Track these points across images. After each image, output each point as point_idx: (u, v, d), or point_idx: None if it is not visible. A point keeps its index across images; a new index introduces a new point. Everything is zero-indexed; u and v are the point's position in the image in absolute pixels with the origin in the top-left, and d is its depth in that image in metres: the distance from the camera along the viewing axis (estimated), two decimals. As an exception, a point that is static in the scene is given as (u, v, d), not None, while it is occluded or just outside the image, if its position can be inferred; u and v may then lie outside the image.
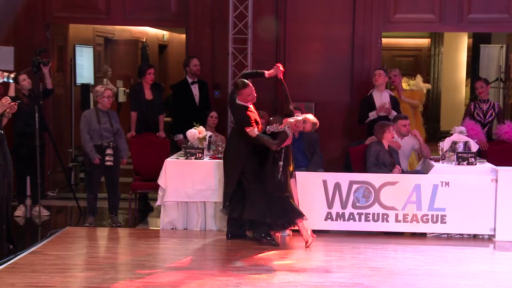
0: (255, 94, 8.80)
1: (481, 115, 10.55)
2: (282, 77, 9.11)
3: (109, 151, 9.45)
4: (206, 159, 9.45)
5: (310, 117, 8.72)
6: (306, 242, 8.53)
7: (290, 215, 8.59)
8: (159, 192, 9.30)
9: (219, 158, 9.40)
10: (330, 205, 9.13)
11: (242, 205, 8.61)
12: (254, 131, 8.45)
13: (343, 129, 11.50)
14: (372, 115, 10.37)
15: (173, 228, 9.32)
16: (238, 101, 8.74)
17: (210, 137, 9.71)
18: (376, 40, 11.62)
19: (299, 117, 8.66)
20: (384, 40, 12.07)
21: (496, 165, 9.19)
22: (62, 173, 11.48)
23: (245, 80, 8.78)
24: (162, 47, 17.24)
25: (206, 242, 8.63)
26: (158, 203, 9.37)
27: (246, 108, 8.73)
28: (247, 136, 8.50)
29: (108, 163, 9.44)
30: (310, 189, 9.13)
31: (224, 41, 11.33)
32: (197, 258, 8.00)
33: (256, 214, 8.53)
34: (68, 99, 12.56)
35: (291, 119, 8.62)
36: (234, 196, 8.68)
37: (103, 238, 9.32)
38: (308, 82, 11.52)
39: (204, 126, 9.76)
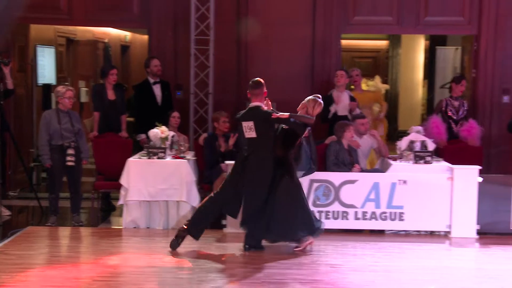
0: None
1: (454, 112, 10.66)
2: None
3: (70, 151, 9.37)
4: (169, 158, 9.42)
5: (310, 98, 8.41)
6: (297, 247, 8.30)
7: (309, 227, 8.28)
8: (122, 191, 9.25)
9: (182, 158, 9.39)
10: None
11: (265, 222, 8.16)
12: (283, 113, 7.98)
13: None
14: (333, 108, 10.43)
15: (135, 227, 9.28)
16: (262, 108, 8.21)
17: (172, 137, 9.67)
18: (336, 41, 11.70)
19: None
20: (343, 42, 12.16)
21: (452, 164, 9.30)
22: (24, 173, 11.36)
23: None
24: (125, 48, 17.12)
25: (169, 241, 8.59)
26: (120, 202, 9.33)
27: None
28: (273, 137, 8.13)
29: (70, 163, 9.36)
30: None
31: (186, 42, 11.31)
32: (160, 257, 7.96)
33: (284, 235, 8.24)
34: (29, 99, 12.42)
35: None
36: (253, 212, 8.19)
37: (65, 237, 9.23)
38: (269, 82, 11.36)
39: (166, 126, 9.72)
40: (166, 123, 9.88)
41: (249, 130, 8.09)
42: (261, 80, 8.24)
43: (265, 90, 8.21)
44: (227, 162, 9.22)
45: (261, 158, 8.09)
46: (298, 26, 11.58)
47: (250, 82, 8.28)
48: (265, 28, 11.56)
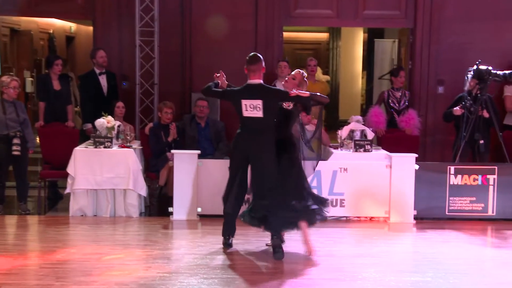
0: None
1: (396, 103, 10.82)
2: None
3: (16, 140, 9.24)
4: (115, 147, 9.35)
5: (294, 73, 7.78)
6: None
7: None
8: (68, 180, 9.16)
9: (128, 147, 9.33)
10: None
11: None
12: (301, 91, 7.32)
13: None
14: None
15: (82, 215, 9.18)
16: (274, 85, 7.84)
17: (118, 126, 9.60)
18: (278, 34, 11.74)
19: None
20: (285, 34, 12.20)
21: (390, 152, 9.44)
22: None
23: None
24: (70, 38, 16.86)
25: (116, 228, 8.52)
26: (67, 190, 9.22)
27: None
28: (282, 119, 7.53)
29: (15, 153, 9.23)
30: (216, 176, 9.14)
31: (131, 33, 11.22)
32: (107, 244, 7.89)
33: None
34: (-27, 89, 12.13)
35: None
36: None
37: (12, 225, 9.08)
38: (213, 73, 11.46)
39: (112, 116, 9.64)
40: (112, 113, 9.81)
41: (253, 109, 7.37)
42: (259, 54, 7.60)
43: (263, 65, 7.53)
44: (172, 151, 9.22)
45: (267, 139, 7.42)
46: (241, 18, 11.59)
47: (247, 57, 7.54)
48: (209, 20, 11.54)
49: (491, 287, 6.62)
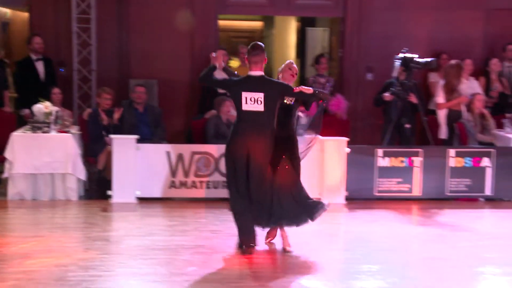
0: None
1: (321, 88, 10.93)
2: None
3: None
4: (53, 133, 9.23)
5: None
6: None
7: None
8: (6, 164, 9.01)
9: (66, 132, 9.23)
10: (173, 174, 9.19)
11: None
12: (303, 87, 6.84)
13: (185, 104, 11.56)
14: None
15: (21, 199, 9.04)
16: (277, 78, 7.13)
17: (56, 112, 9.48)
18: (213, 22, 11.74)
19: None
20: (221, 22, 12.20)
21: (322, 136, 9.55)
22: None
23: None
24: (5, 24, 16.43)
25: (55, 211, 8.43)
26: (5, 175, 9.07)
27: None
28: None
29: (-48, 138, 9.03)
30: (154, 160, 9.16)
31: (68, 20, 11.05)
32: (46, 227, 7.81)
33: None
34: None
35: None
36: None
37: (-51, 211, 8.89)
38: (151, 60, 11.48)
39: (50, 102, 9.51)
40: (49, 99, 9.68)
41: (253, 102, 6.71)
42: (261, 44, 6.89)
43: (265, 56, 6.90)
44: (111, 136, 9.17)
45: (267, 134, 6.77)
46: (177, 7, 11.53)
47: (249, 47, 6.90)
48: (145, 9, 11.48)
49: (417, 262, 6.82)
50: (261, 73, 6.81)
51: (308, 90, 6.77)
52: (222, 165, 9.15)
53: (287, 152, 7.00)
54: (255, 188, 6.78)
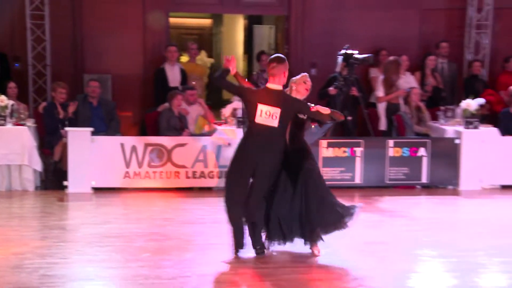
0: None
1: (265, 83, 10.93)
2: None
3: None
4: (9, 125, 9.05)
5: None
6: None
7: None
8: (-36, 157, 8.81)
9: (22, 125, 9.07)
10: (127, 165, 9.11)
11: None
12: (321, 107, 6.19)
13: (138, 98, 11.43)
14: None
15: (-22, 190, 8.87)
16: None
17: (12, 105, 9.30)
18: (165, 19, 11.64)
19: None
20: (172, 20, 12.11)
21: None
22: None
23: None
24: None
25: (12, 202, 8.27)
26: (-37, 167, 8.87)
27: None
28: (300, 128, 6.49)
29: None
30: (109, 151, 9.06)
31: (22, 16, 10.81)
32: (3, 216, 7.65)
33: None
34: None
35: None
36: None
37: None
38: (105, 56, 11.32)
39: (6, 96, 9.32)
40: (5, 93, 9.48)
41: (268, 116, 6.11)
42: (282, 57, 6.30)
43: (286, 68, 6.25)
44: (66, 128, 9.05)
45: (277, 149, 6.25)
46: (129, 4, 11.40)
47: (271, 58, 6.28)
48: (98, 5, 11.30)
49: (359, 246, 6.89)
50: (279, 87, 6.21)
51: (325, 110, 6.10)
52: (175, 156, 9.17)
53: (302, 163, 6.34)
54: (256, 199, 6.26)
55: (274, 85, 6.20)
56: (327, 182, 8.76)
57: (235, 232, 6.40)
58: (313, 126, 6.60)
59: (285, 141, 6.33)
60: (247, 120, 6.41)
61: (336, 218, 6.32)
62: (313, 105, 6.17)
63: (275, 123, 6.11)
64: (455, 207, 8.86)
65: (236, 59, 6.70)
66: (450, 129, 9.87)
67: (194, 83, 10.58)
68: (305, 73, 6.62)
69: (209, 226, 7.55)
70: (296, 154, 6.37)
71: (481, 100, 9.99)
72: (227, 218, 6.42)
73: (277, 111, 6.10)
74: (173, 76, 10.63)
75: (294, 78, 6.56)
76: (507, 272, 6.12)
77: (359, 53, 9.78)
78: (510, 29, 11.85)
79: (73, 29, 11.30)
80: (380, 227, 7.64)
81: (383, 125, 10.31)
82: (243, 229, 6.41)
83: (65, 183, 8.94)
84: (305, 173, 6.30)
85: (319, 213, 6.29)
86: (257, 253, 6.38)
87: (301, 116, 6.40)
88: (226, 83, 6.36)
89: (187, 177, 9.27)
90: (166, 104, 9.84)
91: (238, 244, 6.42)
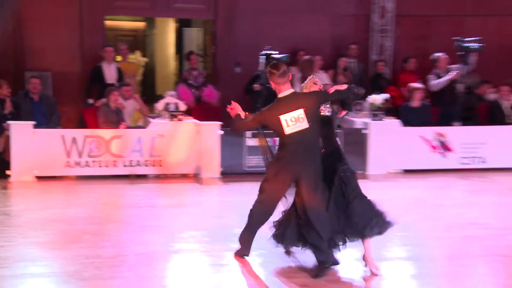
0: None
1: (193, 80, 10.91)
2: None
3: None
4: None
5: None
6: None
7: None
8: None
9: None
10: (68, 155, 8.86)
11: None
12: (338, 85, 5.65)
13: (77, 93, 11.12)
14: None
15: None
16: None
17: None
18: (100, 22, 11.39)
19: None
20: (108, 22, 11.86)
21: (199, 121, 9.54)
22: None
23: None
24: None
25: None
26: None
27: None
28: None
29: None
30: (50, 143, 8.80)
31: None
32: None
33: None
34: None
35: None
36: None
37: None
38: (44, 54, 10.96)
39: None
40: None
41: (295, 121, 5.31)
42: (281, 63, 5.82)
43: (289, 71, 5.57)
44: (9, 122, 8.74)
45: (317, 151, 5.46)
46: (67, 6, 11.10)
47: (272, 69, 5.45)
48: (38, 6, 10.93)
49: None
50: (291, 90, 5.44)
51: (342, 86, 5.53)
52: (113, 147, 8.98)
53: (336, 167, 5.52)
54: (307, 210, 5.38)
55: (286, 91, 5.41)
56: (251, 169, 8.83)
57: (251, 238, 5.63)
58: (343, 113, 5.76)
59: (320, 141, 5.54)
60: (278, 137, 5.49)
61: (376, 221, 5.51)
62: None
63: (304, 124, 5.32)
64: (364, 189, 8.99)
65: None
66: (359, 121, 10.04)
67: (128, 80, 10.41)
68: (311, 76, 5.84)
69: (145, 209, 7.45)
70: (328, 158, 5.53)
71: (385, 95, 10.19)
72: (252, 223, 5.61)
73: (300, 112, 5.31)
74: (110, 73, 10.43)
75: (303, 84, 5.79)
76: (407, 245, 6.30)
77: (278, 53, 9.84)
78: (409, 34, 12.16)
79: (14, 28, 10.89)
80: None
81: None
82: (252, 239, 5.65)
83: (8, 172, 8.61)
84: (341, 175, 5.49)
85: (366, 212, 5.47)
86: (326, 268, 5.35)
87: (325, 113, 5.61)
88: (246, 124, 5.72)
89: (124, 166, 9.09)
90: (104, 99, 9.63)
91: (247, 251, 5.68)
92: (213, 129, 9.30)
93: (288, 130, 5.33)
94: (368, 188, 8.96)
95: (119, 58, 11.14)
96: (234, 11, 11.85)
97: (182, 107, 9.79)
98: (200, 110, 10.48)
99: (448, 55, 10.72)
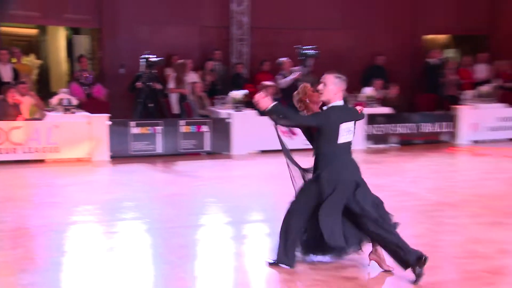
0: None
1: (83, 79, 10.47)
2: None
3: None
4: None
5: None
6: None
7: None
8: None
9: None
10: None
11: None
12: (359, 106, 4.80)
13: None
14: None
15: None
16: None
17: None
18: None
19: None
20: (5, 29, 11.03)
21: (90, 113, 9.18)
22: None
23: None
24: None
25: None
26: None
27: None
28: None
29: None
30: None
31: None
32: None
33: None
34: None
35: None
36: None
37: None
38: None
39: None
40: None
41: (347, 132, 4.40)
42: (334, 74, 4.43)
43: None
44: None
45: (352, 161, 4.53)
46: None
47: (339, 77, 4.39)
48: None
49: (162, 198, 6.82)
50: (341, 102, 4.47)
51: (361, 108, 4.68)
52: (13, 136, 8.42)
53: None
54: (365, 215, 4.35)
55: (340, 100, 4.43)
56: (136, 152, 8.64)
57: (293, 246, 4.55)
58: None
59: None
60: (322, 145, 4.43)
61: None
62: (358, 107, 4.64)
63: (351, 136, 4.46)
64: (229, 167, 9.15)
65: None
66: (223, 112, 10.15)
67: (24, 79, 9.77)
68: (303, 84, 4.85)
69: (43, 188, 7.09)
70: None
71: (244, 91, 10.38)
72: (290, 229, 4.53)
73: (352, 124, 4.44)
74: (6, 73, 9.83)
75: (295, 93, 4.83)
76: (265, 210, 6.43)
77: (156, 57, 9.74)
78: (261, 42, 12.44)
79: None
80: (177, 184, 7.66)
81: (176, 109, 10.33)
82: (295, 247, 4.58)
83: None
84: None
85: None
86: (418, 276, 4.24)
87: None
88: (305, 120, 4.54)
89: (24, 152, 8.55)
90: (1, 96, 8.98)
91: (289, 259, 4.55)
92: (102, 120, 9.01)
93: (340, 140, 4.38)
94: (232, 166, 9.25)
95: (14, 60, 10.45)
96: (117, 21, 11.51)
97: (75, 102, 9.39)
98: (91, 105, 10.08)
99: (292, 60, 11.10)
